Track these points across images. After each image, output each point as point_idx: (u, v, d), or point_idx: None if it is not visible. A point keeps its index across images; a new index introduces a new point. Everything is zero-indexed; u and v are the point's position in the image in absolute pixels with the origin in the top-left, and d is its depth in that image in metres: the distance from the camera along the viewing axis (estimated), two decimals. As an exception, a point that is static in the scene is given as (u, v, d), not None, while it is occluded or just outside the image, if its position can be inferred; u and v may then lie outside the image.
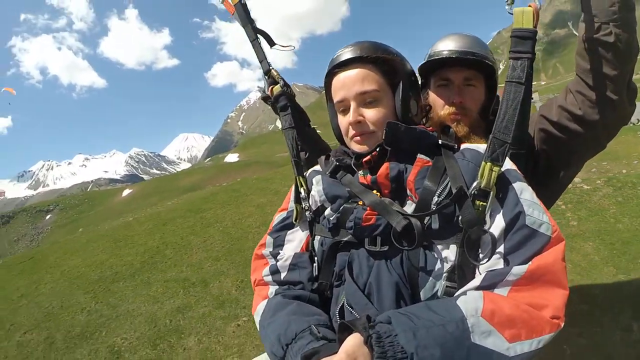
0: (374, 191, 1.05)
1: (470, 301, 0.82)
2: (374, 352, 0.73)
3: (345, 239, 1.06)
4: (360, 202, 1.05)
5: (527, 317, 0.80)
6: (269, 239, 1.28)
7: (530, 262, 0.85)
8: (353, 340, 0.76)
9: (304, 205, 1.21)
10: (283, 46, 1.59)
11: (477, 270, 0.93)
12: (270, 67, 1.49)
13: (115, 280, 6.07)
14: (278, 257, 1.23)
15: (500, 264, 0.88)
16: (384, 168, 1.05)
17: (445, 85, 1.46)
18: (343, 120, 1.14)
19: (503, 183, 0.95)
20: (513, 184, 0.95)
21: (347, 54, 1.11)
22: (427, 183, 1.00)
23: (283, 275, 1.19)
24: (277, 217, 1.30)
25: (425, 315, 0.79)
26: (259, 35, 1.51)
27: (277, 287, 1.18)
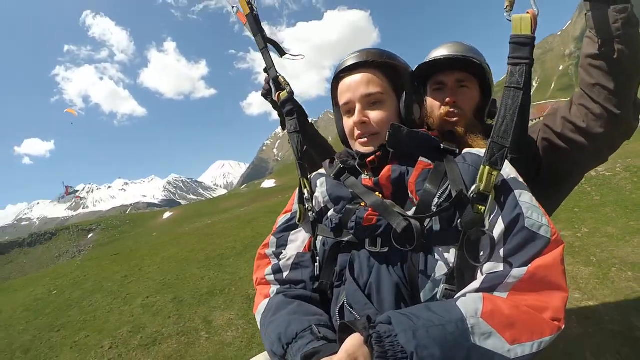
0: (377, 193, 1.07)
1: (469, 302, 0.82)
2: (375, 352, 0.72)
3: (347, 239, 1.07)
4: (363, 204, 1.07)
5: (527, 319, 0.79)
6: (272, 239, 1.30)
7: (530, 265, 0.84)
8: (353, 340, 0.76)
9: (307, 206, 1.23)
10: (293, 55, 1.61)
11: (476, 272, 0.94)
12: (278, 74, 1.51)
13: (224, 258, 6.94)
14: (281, 257, 1.24)
15: (500, 267, 0.87)
16: (386, 170, 1.08)
17: (439, 89, 1.52)
18: (348, 122, 1.19)
19: (502, 186, 0.95)
20: (512, 187, 0.95)
21: (353, 59, 1.16)
22: (428, 185, 1.02)
23: (285, 274, 1.20)
24: (281, 219, 1.33)
25: (425, 315, 0.79)
26: (269, 45, 1.54)
27: (278, 286, 1.19)
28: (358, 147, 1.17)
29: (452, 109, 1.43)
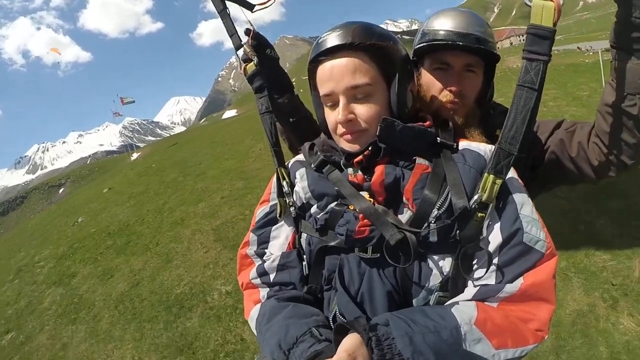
0: (366, 194, 0.98)
1: (464, 310, 0.84)
2: (374, 354, 0.74)
3: (334, 243, 0.99)
4: (351, 207, 0.98)
5: (515, 328, 0.83)
6: (252, 237, 1.19)
7: (522, 280, 0.86)
8: (352, 340, 0.76)
9: (288, 201, 1.13)
10: (263, 4, 1.43)
11: (469, 281, 0.93)
12: (242, 43, 1.33)
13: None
14: (265, 257, 1.15)
15: (493, 278, 0.88)
16: (378, 174, 0.97)
17: (443, 69, 1.32)
18: (331, 116, 1.04)
19: (503, 194, 0.92)
20: (514, 196, 0.93)
21: (335, 38, 0.97)
22: (427, 194, 0.94)
23: (272, 276, 1.12)
24: (259, 212, 1.21)
25: (421, 321, 0.80)
26: (228, 5, 1.36)
27: (267, 289, 1.12)
28: (343, 144, 1.03)
29: (456, 98, 1.28)
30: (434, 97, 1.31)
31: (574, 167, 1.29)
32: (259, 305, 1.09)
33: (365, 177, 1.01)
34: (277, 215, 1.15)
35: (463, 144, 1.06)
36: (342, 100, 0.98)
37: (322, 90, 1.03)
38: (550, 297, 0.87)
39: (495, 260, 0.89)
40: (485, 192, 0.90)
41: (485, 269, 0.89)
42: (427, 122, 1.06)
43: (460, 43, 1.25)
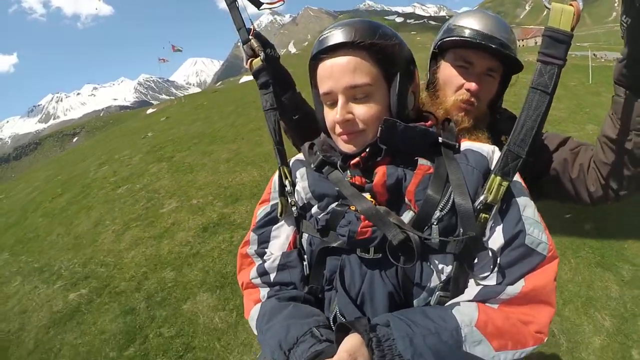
0: (367, 195, 0.97)
1: (465, 312, 0.84)
2: (374, 356, 0.74)
3: (336, 244, 0.98)
4: (352, 207, 0.97)
5: (515, 330, 0.83)
6: (252, 236, 1.19)
7: (524, 283, 0.86)
8: (353, 340, 0.76)
9: (290, 201, 1.12)
10: (271, 3, 1.45)
11: (469, 281, 0.93)
12: (250, 38, 1.33)
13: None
14: (265, 257, 1.15)
15: (494, 279, 0.89)
16: (380, 175, 0.96)
17: (465, 67, 1.32)
18: (329, 114, 1.02)
19: (506, 195, 0.92)
20: (517, 199, 0.93)
21: (337, 36, 0.95)
22: (429, 194, 0.93)
23: (272, 276, 1.11)
24: (260, 212, 1.20)
25: (422, 322, 0.80)
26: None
27: (268, 289, 1.12)
28: (340, 144, 1.03)
29: (472, 98, 1.29)
30: (450, 93, 1.31)
31: (572, 188, 1.30)
32: (259, 305, 1.09)
33: (366, 180, 1.00)
34: (278, 215, 1.15)
35: (465, 144, 1.05)
36: (341, 99, 0.97)
37: (322, 88, 1.01)
38: (551, 299, 0.87)
39: (497, 261, 0.88)
40: (491, 194, 0.90)
41: (487, 270, 0.89)
42: (429, 121, 1.05)
43: (492, 45, 1.24)
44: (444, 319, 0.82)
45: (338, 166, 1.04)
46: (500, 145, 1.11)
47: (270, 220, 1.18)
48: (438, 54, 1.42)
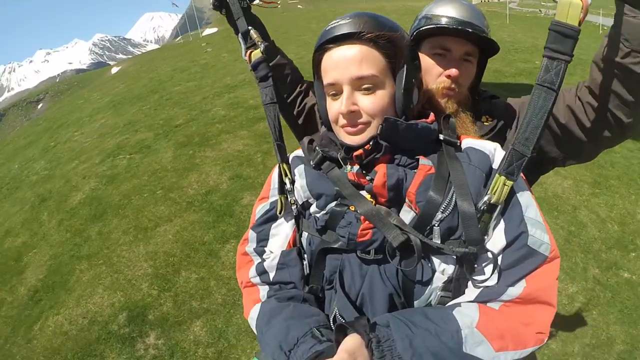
0: (367, 194, 0.97)
1: (466, 312, 0.84)
2: (374, 356, 0.75)
3: (336, 245, 0.98)
4: (352, 207, 0.97)
5: (516, 332, 0.84)
6: (251, 234, 1.20)
7: (525, 284, 0.86)
8: (353, 340, 0.76)
9: (290, 199, 1.11)
10: (266, 2, 1.46)
11: (470, 282, 0.92)
12: (250, 28, 1.28)
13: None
14: (264, 256, 1.16)
15: (495, 279, 0.89)
16: (380, 175, 0.94)
17: (442, 55, 1.32)
18: (333, 106, 1.01)
19: (509, 195, 0.91)
20: (519, 198, 0.92)
21: (344, 27, 0.95)
22: (431, 195, 0.92)
23: (272, 275, 1.11)
24: (259, 209, 1.20)
25: (422, 323, 0.81)
26: None
27: (267, 288, 1.12)
28: (343, 136, 1.01)
29: (453, 84, 1.30)
30: (430, 82, 1.31)
31: (565, 135, 1.25)
32: (258, 305, 1.09)
33: (366, 176, 0.99)
34: (277, 213, 1.14)
35: (467, 141, 1.04)
36: (346, 90, 0.96)
37: (326, 79, 0.99)
38: (552, 300, 0.87)
39: (498, 263, 0.88)
40: (494, 194, 0.89)
41: (488, 271, 0.89)
42: (430, 118, 1.03)
43: (470, 30, 1.25)
44: (445, 320, 0.82)
45: (339, 158, 1.02)
46: (481, 124, 1.26)
47: (269, 218, 1.18)
48: (414, 46, 1.32)
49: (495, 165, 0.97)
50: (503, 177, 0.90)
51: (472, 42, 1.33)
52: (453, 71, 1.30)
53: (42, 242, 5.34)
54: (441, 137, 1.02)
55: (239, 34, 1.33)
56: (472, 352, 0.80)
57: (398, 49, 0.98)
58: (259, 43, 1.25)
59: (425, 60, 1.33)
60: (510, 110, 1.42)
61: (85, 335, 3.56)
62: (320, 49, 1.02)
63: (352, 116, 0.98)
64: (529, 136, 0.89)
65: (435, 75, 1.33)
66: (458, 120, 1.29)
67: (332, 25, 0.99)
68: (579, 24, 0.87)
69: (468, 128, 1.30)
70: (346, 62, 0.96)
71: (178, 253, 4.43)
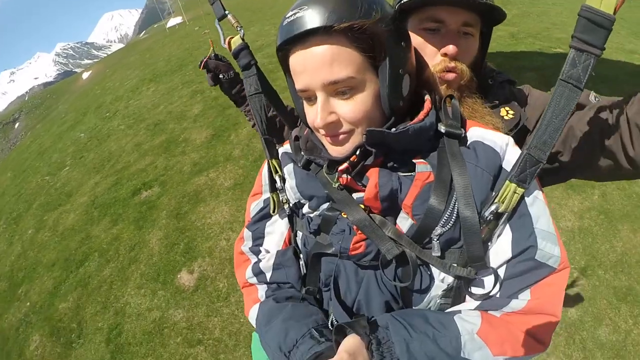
0: (360, 205, 0.87)
1: (467, 319, 0.80)
2: (373, 357, 0.73)
3: (329, 251, 0.93)
4: (344, 214, 0.89)
5: (515, 339, 0.80)
6: (247, 233, 1.16)
7: (529, 296, 0.81)
8: (353, 341, 0.74)
9: (282, 198, 1.04)
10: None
11: (471, 290, 0.87)
12: (227, 13, 1.21)
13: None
14: (260, 256, 1.13)
15: (497, 289, 0.83)
16: (371, 186, 0.84)
17: (435, 30, 1.06)
18: (310, 112, 0.86)
19: (519, 203, 0.82)
20: (530, 208, 0.82)
21: (305, 21, 0.74)
22: (431, 205, 0.82)
23: (268, 275, 1.08)
24: (253, 207, 1.15)
25: (421, 327, 0.78)
26: None
27: (265, 287, 1.09)
28: (326, 144, 0.90)
29: (451, 64, 1.04)
30: (424, 65, 1.04)
31: (607, 155, 0.99)
32: (257, 305, 1.06)
33: (358, 182, 0.89)
34: (271, 211, 1.07)
35: (475, 133, 0.89)
36: (320, 97, 0.80)
37: (297, 83, 0.83)
38: (556, 311, 0.81)
39: (500, 273, 0.83)
40: (503, 204, 0.80)
41: (488, 285, 0.83)
42: (425, 107, 0.87)
43: None
44: (445, 325, 0.79)
45: (324, 171, 0.91)
46: (498, 114, 1.08)
47: (263, 216, 1.13)
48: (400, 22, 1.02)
49: (505, 165, 0.85)
50: (514, 185, 0.80)
51: (469, 8, 1.04)
52: (450, 48, 1.04)
53: None
54: (442, 129, 0.88)
55: (216, 20, 1.26)
56: (470, 357, 0.76)
57: (376, 38, 0.77)
58: (239, 29, 1.19)
59: (415, 38, 1.06)
60: (539, 105, 1.19)
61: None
62: (282, 49, 0.84)
63: (332, 127, 0.83)
64: (547, 140, 0.79)
65: (429, 55, 1.07)
66: (464, 106, 1.09)
67: (290, 18, 0.78)
68: (614, 12, 0.73)
69: (479, 114, 1.09)
70: (314, 65, 0.77)
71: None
